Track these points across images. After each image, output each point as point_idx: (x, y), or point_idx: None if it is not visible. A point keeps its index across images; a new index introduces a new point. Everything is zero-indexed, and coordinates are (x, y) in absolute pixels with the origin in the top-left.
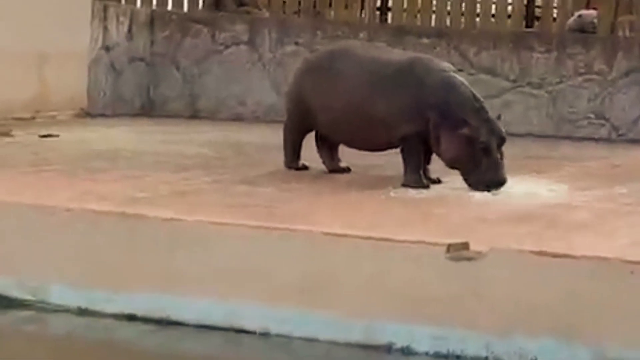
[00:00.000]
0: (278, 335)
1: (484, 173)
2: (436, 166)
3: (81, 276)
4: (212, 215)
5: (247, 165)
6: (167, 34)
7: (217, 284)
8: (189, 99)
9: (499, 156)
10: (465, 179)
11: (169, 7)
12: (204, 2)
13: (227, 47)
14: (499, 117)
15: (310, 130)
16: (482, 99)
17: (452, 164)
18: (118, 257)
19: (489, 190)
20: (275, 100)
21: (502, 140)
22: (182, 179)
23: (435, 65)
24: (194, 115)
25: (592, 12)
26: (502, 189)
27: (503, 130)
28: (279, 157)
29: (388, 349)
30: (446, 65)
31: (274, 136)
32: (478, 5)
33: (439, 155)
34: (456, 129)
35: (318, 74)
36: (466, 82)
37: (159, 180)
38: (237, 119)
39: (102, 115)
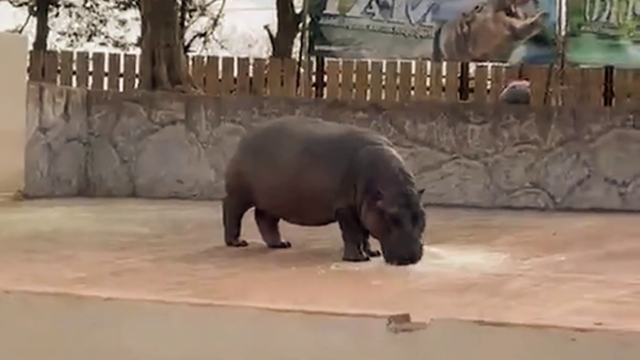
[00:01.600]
0: None
1: (394, 246)
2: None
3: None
4: (152, 293)
5: (186, 242)
6: (104, 114)
7: None
8: (126, 178)
9: (412, 230)
10: (381, 250)
11: (105, 86)
12: (139, 81)
13: (163, 125)
14: (421, 192)
15: (250, 207)
16: (409, 172)
17: (373, 236)
18: (55, 339)
19: (400, 264)
20: (213, 178)
21: (415, 215)
22: (121, 257)
23: (366, 139)
24: (132, 194)
25: (525, 82)
26: (439, 261)
27: (421, 204)
28: (219, 234)
29: None
30: (379, 138)
31: (213, 213)
32: (413, 79)
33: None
34: (374, 201)
35: (256, 150)
36: (397, 155)
37: (97, 259)
38: (175, 197)
39: (40, 196)
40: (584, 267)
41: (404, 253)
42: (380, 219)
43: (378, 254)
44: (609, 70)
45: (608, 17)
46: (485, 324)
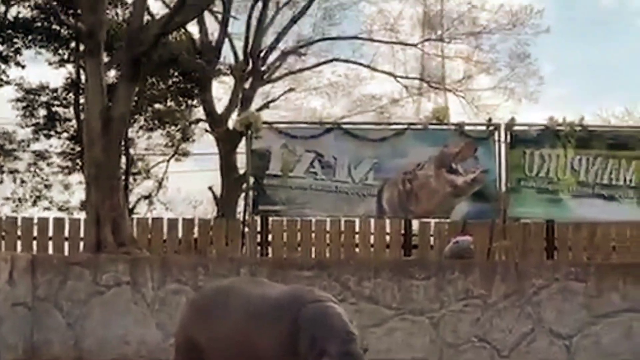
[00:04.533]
0: None
1: None
2: None
3: None
4: None
5: None
6: (49, 278)
7: None
8: (72, 342)
9: None
10: None
11: (50, 251)
12: (84, 244)
13: (109, 287)
14: (365, 350)
15: None
16: (352, 330)
17: None
18: None
19: None
20: (159, 339)
21: None
22: None
23: (310, 297)
24: (78, 357)
25: (468, 238)
26: None
27: None
28: None
29: None
30: (323, 296)
31: None
32: (357, 236)
33: None
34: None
35: (204, 312)
36: (341, 312)
37: None
38: (122, 359)
39: None
40: None
41: None
42: None
43: None
44: (550, 224)
45: (547, 173)
46: None
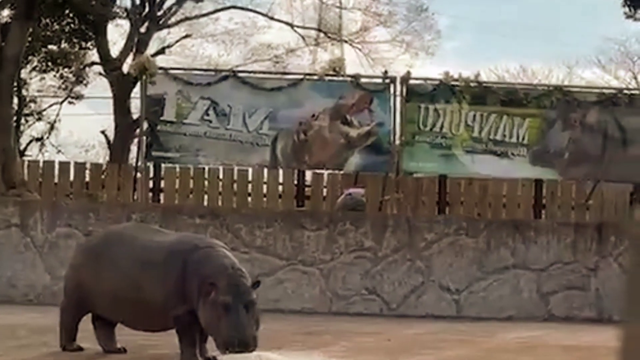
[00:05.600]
0: None
1: (226, 332)
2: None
3: None
4: None
5: (21, 348)
6: None
7: None
8: None
9: (244, 317)
10: (215, 342)
11: None
12: None
13: None
14: (257, 283)
15: (88, 311)
16: (242, 269)
17: (206, 331)
18: None
19: (233, 351)
20: (48, 283)
21: (247, 302)
22: None
23: (200, 244)
24: None
25: (361, 190)
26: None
27: (254, 294)
28: (53, 340)
29: None
30: (214, 242)
31: (48, 319)
32: (250, 186)
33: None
34: (207, 296)
35: (93, 258)
36: (230, 255)
37: None
38: (8, 301)
39: None
40: None
41: (237, 339)
42: (213, 310)
43: (214, 359)
44: (442, 178)
45: (442, 128)
46: None
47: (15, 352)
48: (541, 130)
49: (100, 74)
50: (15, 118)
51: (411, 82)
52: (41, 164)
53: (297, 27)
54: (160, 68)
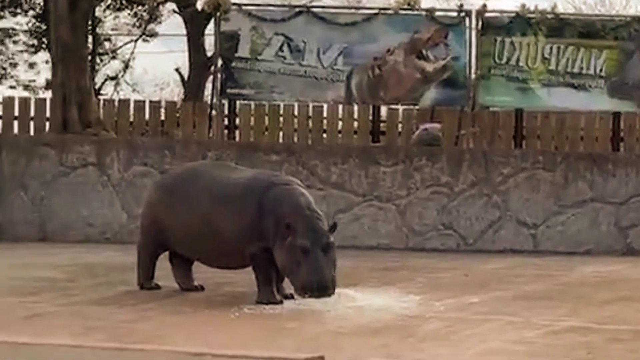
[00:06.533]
0: None
1: (305, 277)
2: None
3: None
4: (67, 338)
5: (99, 286)
6: (14, 158)
7: None
8: (37, 222)
9: (323, 261)
10: (293, 286)
11: (15, 130)
12: (50, 124)
13: (74, 168)
14: (333, 226)
15: (165, 250)
16: (318, 210)
17: (283, 273)
18: None
19: (312, 296)
20: (125, 221)
21: (325, 245)
22: (34, 302)
23: (276, 181)
24: (43, 238)
25: (437, 125)
26: (353, 303)
27: (331, 237)
28: (132, 277)
29: None
30: (289, 179)
31: (125, 257)
32: (325, 122)
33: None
34: (284, 238)
35: (170, 195)
36: (306, 194)
37: (10, 304)
38: (87, 240)
39: None
40: (496, 308)
41: (315, 283)
42: (290, 253)
43: (292, 297)
44: (518, 112)
45: (518, 61)
46: None
47: (93, 290)
48: (619, 61)
49: (174, 11)
50: (90, 57)
51: (487, 15)
52: (116, 103)
53: None
54: (234, 4)
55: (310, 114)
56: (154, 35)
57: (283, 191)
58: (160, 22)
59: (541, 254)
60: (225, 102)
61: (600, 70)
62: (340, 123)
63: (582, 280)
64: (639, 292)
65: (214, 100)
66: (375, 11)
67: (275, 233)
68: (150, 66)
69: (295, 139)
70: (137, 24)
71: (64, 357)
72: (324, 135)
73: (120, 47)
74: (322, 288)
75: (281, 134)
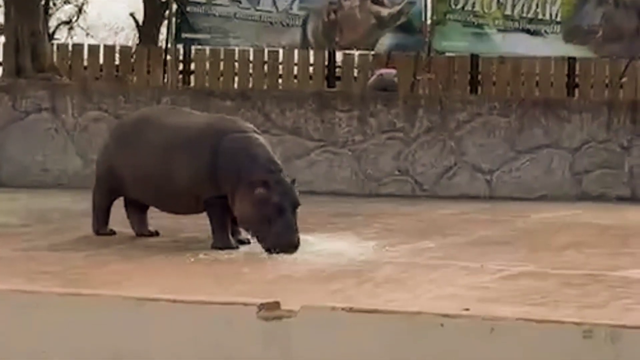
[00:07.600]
0: None
1: (277, 235)
2: None
3: None
4: (20, 283)
5: (53, 232)
6: None
7: (28, 354)
8: None
9: (293, 221)
10: (259, 241)
11: None
12: (3, 69)
13: (28, 113)
14: (293, 182)
15: (119, 196)
16: (278, 162)
17: (245, 225)
18: None
19: (283, 252)
20: (79, 167)
21: (295, 204)
22: None
23: (233, 127)
24: None
25: (392, 70)
26: (309, 248)
27: (297, 193)
28: (87, 223)
29: None
30: (246, 126)
31: (80, 202)
32: (280, 67)
33: (235, 215)
34: (250, 190)
35: (125, 140)
36: (265, 144)
37: None
38: (41, 186)
39: None
40: (451, 253)
41: (289, 242)
42: (261, 207)
43: (248, 242)
44: (474, 58)
45: (473, 6)
46: (355, 310)
47: (49, 236)
48: (574, 6)
49: None
50: (43, 1)
51: None
52: (70, 47)
53: None
54: None
55: (266, 58)
56: None
57: (241, 139)
58: None
59: (496, 200)
60: (180, 47)
61: (556, 15)
62: (295, 68)
63: (537, 226)
64: (593, 237)
65: (169, 45)
66: None
67: (236, 182)
68: (104, 10)
69: (251, 84)
70: None
71: (16, 303)
72: (280, 81)
73: None
74: (292, 247)
75: (236, 79)
